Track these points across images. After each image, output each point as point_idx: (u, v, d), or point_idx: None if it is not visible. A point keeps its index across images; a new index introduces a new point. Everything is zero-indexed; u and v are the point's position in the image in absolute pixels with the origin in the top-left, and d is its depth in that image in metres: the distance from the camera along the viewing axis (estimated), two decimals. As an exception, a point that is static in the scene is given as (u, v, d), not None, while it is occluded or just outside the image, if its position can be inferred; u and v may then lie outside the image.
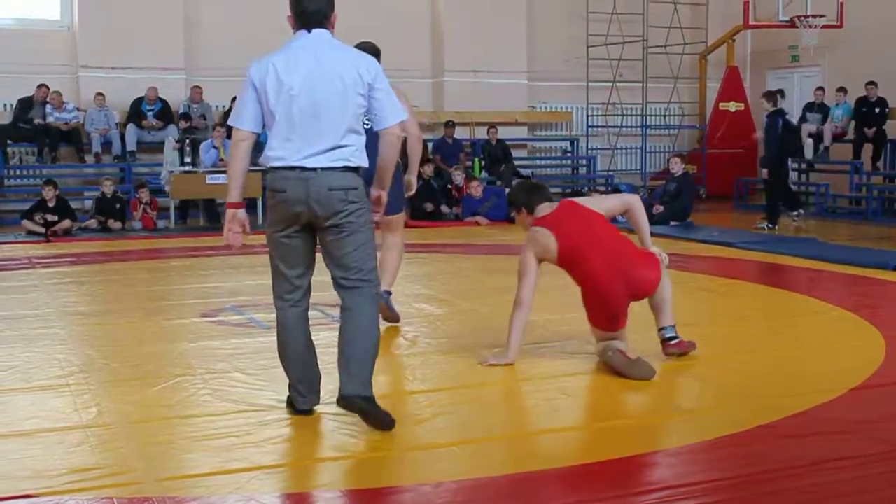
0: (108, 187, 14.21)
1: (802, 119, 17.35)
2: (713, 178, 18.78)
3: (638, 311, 6.01)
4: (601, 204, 6.21)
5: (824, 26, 17.22)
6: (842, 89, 16.96)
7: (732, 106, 19.16)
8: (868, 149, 16.66)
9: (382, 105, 4.68)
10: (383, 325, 5.79)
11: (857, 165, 16.52)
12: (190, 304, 8.04)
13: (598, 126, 19.73)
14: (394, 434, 4.55)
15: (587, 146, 19.79)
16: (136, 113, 16.44)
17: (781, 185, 14.05)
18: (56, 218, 13.46)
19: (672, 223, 13.80)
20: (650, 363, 5.56)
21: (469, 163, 17.40)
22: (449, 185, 15.70)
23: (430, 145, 17.34)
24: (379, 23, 16.74)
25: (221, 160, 14.61)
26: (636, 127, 19.54)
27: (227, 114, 16.62)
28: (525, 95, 19.26)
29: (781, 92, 15.48)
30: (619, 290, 5.77)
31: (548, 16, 19.46)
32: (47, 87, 16.03)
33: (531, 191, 6.18)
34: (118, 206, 14.18)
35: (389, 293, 7.02)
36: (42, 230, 13.26)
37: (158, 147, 16.59)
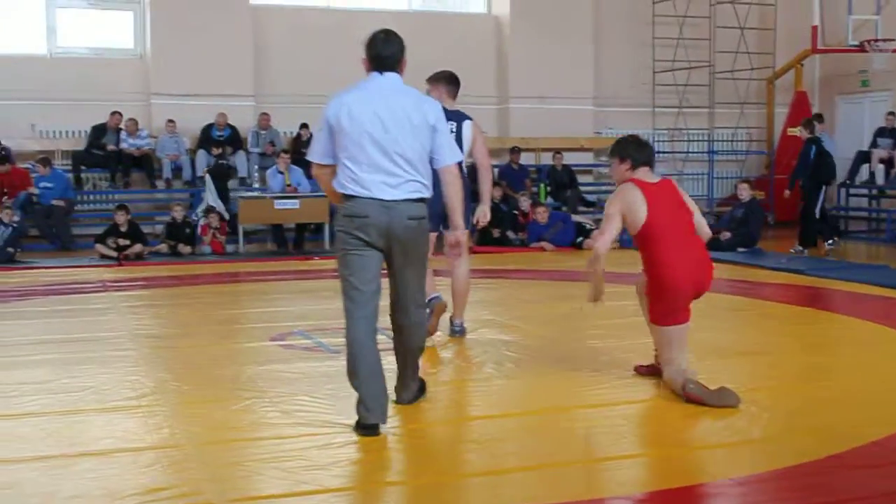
0: (178, 212, 14.45)
1: (873, 144, 17.12)
2: (781, 204, 18.57)
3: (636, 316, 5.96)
4: (694, 206, 6.09)
5: (894, 50, 17.01)
6: (913, 114, 16.74)
7: (799, 131, 18.95)
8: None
9: (442, 145, 5.11)
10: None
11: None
12: (259, 328, 8.13)
13: (664, 152, 19.64)
14: (459, 459, 4.58)
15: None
16: (206, 139, 16.71)
17: (812, 212, 13.93)
18: (128, 242, 13.72)
19: (739, 250, 13.69)
20: (733, 391, 5.49)
21: (535, 189, 17.41)
22: (515, 211, 15.72)
23: (495, 171, 17.41)
24: (445, 49, 16.91)
25: (288, 185, 14.79)
26: (703, 153, 19.43)
27: (293, 140, 16.86)
28: (591, 121, 19.26)
29: (819, 116, 15.49)
30: (687, 283, 5.76)
31: (614, 42, 19.46)
32: (120, 114, 16.39)
33: (642, 147, 6.06)
34: (188, 230, 14.41)
35: (462, 324, 7.42)
36: (114, 254, 13.52)
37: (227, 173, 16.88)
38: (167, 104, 16.81)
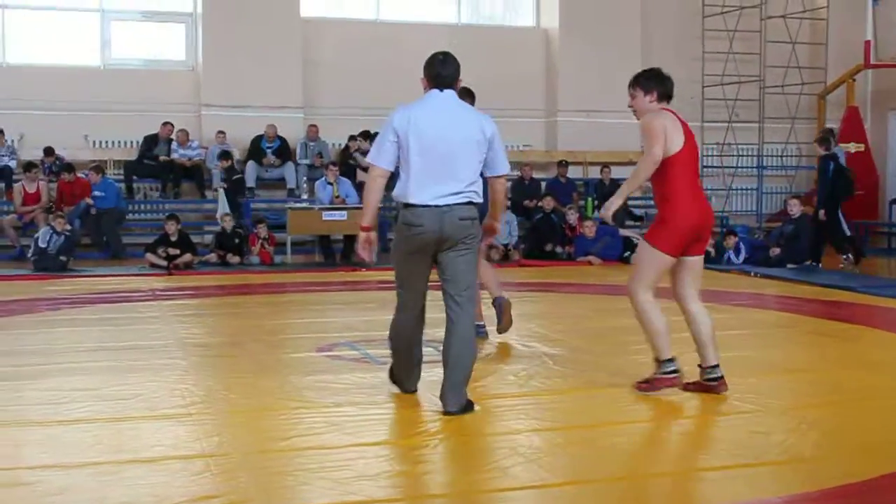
0: (227, 223, 14.57)
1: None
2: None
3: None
4: None
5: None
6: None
7: (852, 147, 18.73)
8: None
9: (495, 157, 5.65)
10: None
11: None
12: (306, 339, 8.18)
13: (712, 166, 19.53)
14: (505, 472, 4.57)
15: (701, 186, 19.57)
16: (255, 150, 16.85)
17: (831, 227, 13.88)
18: (178, 252, 13.85)
19: (789, 266, 13.56)
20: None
21: (582, 202, 17.38)
22: (563, 225, 15.69)
23: (543, 184, 17.42)
24: (494, 63, 16.95)
25: (336, 197, 14.87)
26: (752, 168, 19.28)
27: (341, 152, 16.96)
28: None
29: (831, 131, 15.49)
30: (700, 219, 5.91)
31: (662, 56, 19.30)
32: (171, 125, 16.58)
33: (665, 79, 6.10)
34: (237, 240, 14.52)
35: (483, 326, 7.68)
36: (164, 263, 13.65)
37: (277, 184, 17.03)
38: (218, 115, 16.99)
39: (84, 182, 15.45)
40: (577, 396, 6.11)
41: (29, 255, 13.81)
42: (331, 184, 15.05)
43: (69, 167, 15.58)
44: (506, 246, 15.20)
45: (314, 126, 17.17)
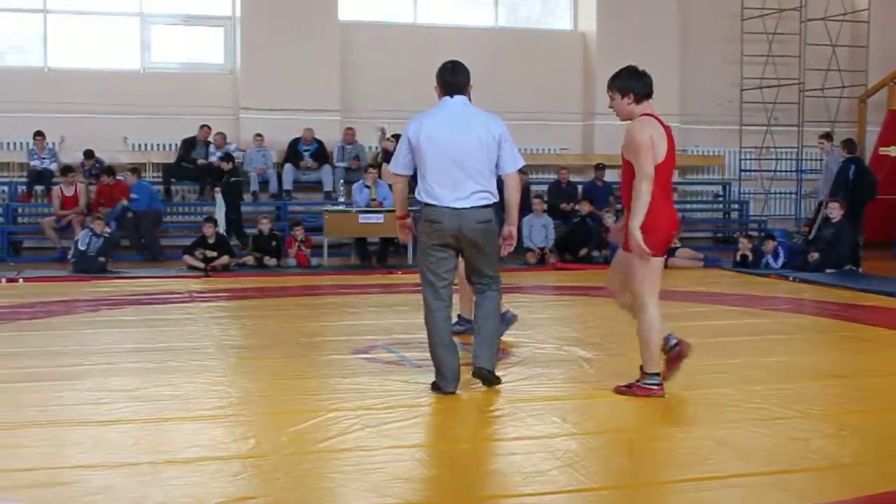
0: (264, 225, 14.64)
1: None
2: (872, 224, 18.16)
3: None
4: None
5: None
6: None
7: (893, 150, 18.55)
8: None
9: (505, 155, 6.08)
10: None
11: None
12: (342, 341, 8.19)
13: (751, 170, 19.40)
14: (542, 476, 4.56)
15: (739, 190, 19.47)
16: (293, 153, 16.93)
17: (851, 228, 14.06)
18: (215, 254, 13.92)
19: (828, 271, 13.43)
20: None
21: (619, 206, 17.28)
22: (599, 228, 15.62)
23: (579, 188, 17.37)
24: (531, 65, 16.93)
25: (373, 200, 14.89)
26: (791, 171, 19.13)
27: (379, 154, 17.00)
28: (677, 138, 18.97)
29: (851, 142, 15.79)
30: (674, 221, 6.04)
31: (701, 59, 19.29)
32: (209, 128, 16.69)
33: (641, 77, 6.03)
34: (274, 243, 14.58)
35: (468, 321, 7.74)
36: (201, 265, 13.73)
37: (313, 186, 17.10)
38: (255, 118, 17.10)
39: (123, 185, 15.59)
40: (614, 401, 6.07)
41: (69, 256, 13.94)
42: (368, 187, 15.08)
43: (110, 170, 15.73)
44: (542, 249, 15.17)
45: (351, 129, 17.22)
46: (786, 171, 19.29)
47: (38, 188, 16.40)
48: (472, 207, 5.96)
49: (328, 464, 4.80)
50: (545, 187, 17.35)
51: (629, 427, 5.58)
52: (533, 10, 19.63)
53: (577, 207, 16.10)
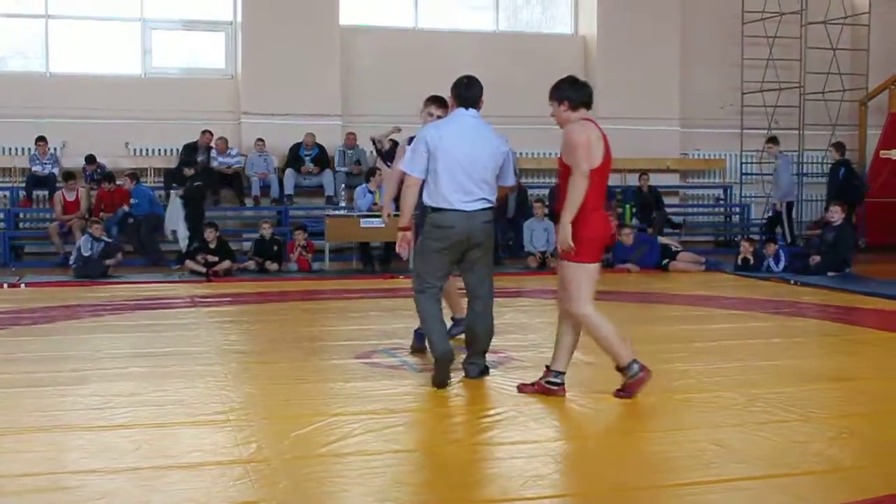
0: (266, 230, 14.66)
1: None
2: (873, 227, 18.20)
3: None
4: None
5: None
6: None
7: (894, 154, 18.57)
8: None
9: (507, 169, 6.63)
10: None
11: None
12: (344, 346, 8.20)
13: (752, 174, 19.40)
14: (543, 479, 4.57)
15: (741, 194, 19.47)
16: (294, 158, 16.95)
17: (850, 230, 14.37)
18: (217, 259, 13.94)
19: (829, 274, 13.43)
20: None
21: (620, 210, 17.31)
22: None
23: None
24: (531, 70, 16.93)
25: (375, 204, 14.90)
26: (792, 175, 19.11)
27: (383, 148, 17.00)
28: (677, 142, 19.10)
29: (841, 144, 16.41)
30: (609, 227, 6.34)
31: (701, 62, 19.31)
32: (211, 133, 16.71)
33: (579, 86, 6.10)
34: (275, 248, 14.60)
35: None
36: (203, 270, 13.74)
37: (315, 191, 17.11)
38: (257, 123, 17.12)
39: (123, 190, 15.61)
40: (615, 404, 6.08)
41: (71, 262, 13.96)
42: (372, 192, 15.09)
43: (110, 176, 15.75)
44: (543, 253, 15.18)
45: (352, 134, 17.24)
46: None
47: (39, 193, 16.43)
48: (479, 209, 6.42)
49: (330, 468, 4.81)
50: (546, 191, 17.36)
51: (630, 430, 5.59)
52: (533, 15, 19.65)
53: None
